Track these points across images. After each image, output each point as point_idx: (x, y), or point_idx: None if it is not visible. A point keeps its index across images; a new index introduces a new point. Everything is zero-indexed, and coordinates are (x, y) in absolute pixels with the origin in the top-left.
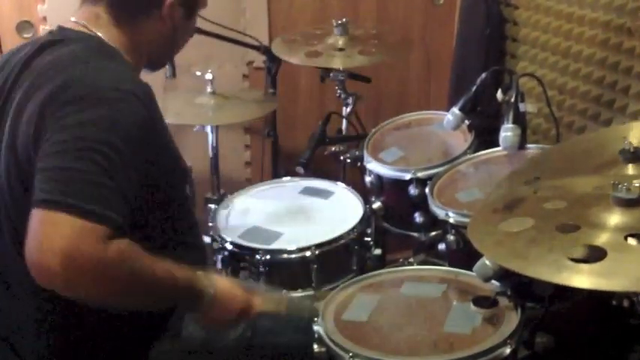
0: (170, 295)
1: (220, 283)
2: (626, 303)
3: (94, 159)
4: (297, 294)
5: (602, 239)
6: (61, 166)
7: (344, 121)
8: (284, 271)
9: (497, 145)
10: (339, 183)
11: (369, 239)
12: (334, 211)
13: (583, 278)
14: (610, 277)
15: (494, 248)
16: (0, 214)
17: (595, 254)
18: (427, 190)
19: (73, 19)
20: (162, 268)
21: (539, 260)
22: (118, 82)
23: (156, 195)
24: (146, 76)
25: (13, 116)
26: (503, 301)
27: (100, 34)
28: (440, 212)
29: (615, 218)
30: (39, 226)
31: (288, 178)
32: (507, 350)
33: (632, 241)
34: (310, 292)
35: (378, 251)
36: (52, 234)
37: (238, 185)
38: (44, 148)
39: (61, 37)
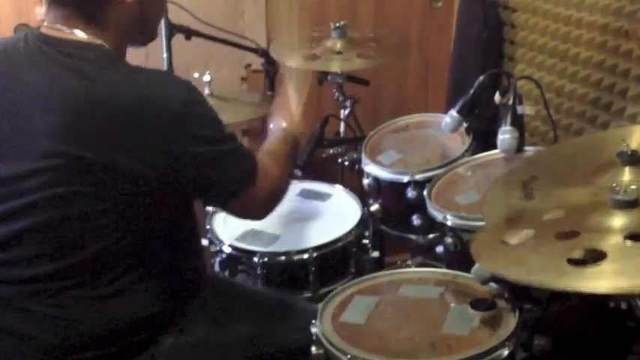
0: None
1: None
2: (623, 305)
3: (225, 142)
4: (295, 296)
5: (601, 242)
6: (221, 165)
7: (342, 124)
8: (282, 273)
9: (495, 147)
10: (336, 185)
11: (366, 242)
12: (332, 214)
13: (584, 282)
14: (611, 279)
15: (494, 260)
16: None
17: (594, 257)
18: (425, 192)
19: (44, 24)
20: (284, 151)
21: (538, 267)
22: (175, 78)
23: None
24: None
25: (67, 130)
26: (501, 304)
27: (78, 32)
28: (438, 215)
29: (613, 221)
30: (250, 205)
31: None
32: (505, 352)
33: (629, 242)
34: (308, 295)
35: (375, 254)
36: (259, 199)
37: None
38: (189, 160)
39: (64, 49)
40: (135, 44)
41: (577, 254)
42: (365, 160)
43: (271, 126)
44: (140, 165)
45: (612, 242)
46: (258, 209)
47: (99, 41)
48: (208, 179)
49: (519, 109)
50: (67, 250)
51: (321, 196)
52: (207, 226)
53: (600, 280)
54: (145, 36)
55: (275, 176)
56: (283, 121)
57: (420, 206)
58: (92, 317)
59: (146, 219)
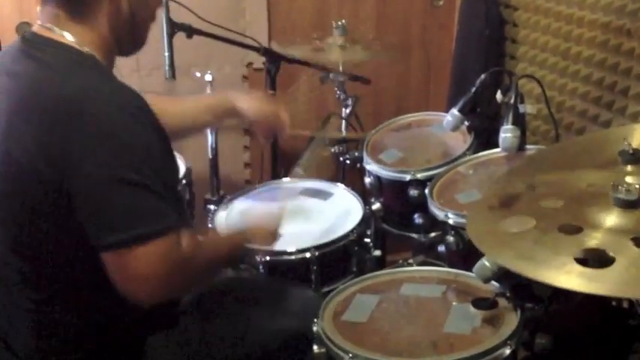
0: (230, 260)
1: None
2: (625, 304)
3: (137, 183)
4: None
5: (606, 243)
6: (115, 204)
7: (343, 123)
8: (283, 272)
9: (496, 146)
10: (338, 184)
11: (368, 240)
12: (334, 213)
13: (592, 284)
14: (620, 284)
15: (498, 250)
16: None
17: (596, 256)
18: (427, 191)
19: (39, 22)
20: (221, 243)
21: (546, 263)
22: (121, 100)
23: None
24: (146, 79)
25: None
26: (503, 302)
27: (67, 35)
28: (439, 213)
29: (616, 219)
30: (123, 267)
31: (287, 179)
32: (507, 351)
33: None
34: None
35: (377, 252)
36: (138, 269)
37: (237, 186)
38: (84, 186)
39: (36, 46)
40: (123, 52)
41: (583, 253)
42: (366, 158)
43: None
44: (46, 167)
45: (620, 246)
46: (140, 282)
47: (86, 48)
48: (85, 210)
49: (521, 108)
50: (37, 254)
51: (323, 195)
52: (209, 225)
53: (610, 284)
54: (134, 43)
55: (191, 260)
56: (253, 230)
57: (421, 205)
58: (83, 315)
59: None
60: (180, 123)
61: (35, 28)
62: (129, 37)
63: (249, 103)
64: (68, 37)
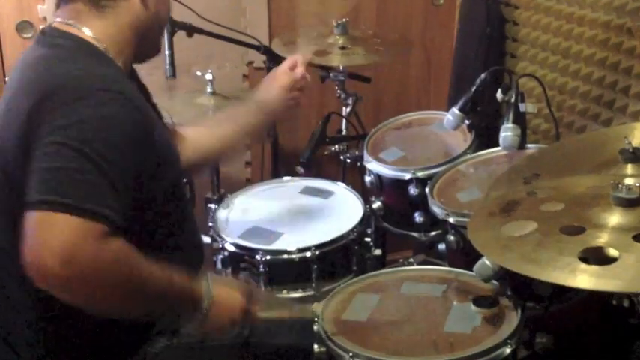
0: (167, 299)
1: (217, 291)
2: (626, 302)
3: (88, 157)
4: (298, 294)
5: (610, 241)
6: (54, 167)
7: (344, 121)
8: (284, 271)
9: (497, 145)
10: (339, 183)
11: (369, 239)
12: (334, 211)
13: (601, 280)
14: (625, 278)
15: (502, 253)
16: None
17: (597, 254)
18: (427, 190)
19: (58, 19)
20: (159, 270)
21: (551, 264)
22: (107, 82)
23: (153, 196)
24: (147, 78)
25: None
26: (504, 301)
27: (86, 30)
28: (440, 212)
29: (618, 219)
30: (36, 228)
31: (288, 178)
32: (507, 350)
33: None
34: (311, 293)
35: (378, 251)
36: (49, 234)
37: (238, 185)
38: (35, 150)
39: (49, 37)
40: (139, 56)
41: (586, 252)
42: (367, 157)
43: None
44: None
45: (622, 244)
46: (43, 254)
47: (103, 45)
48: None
49: (521, 107)
50: None
51: (324, 194)
52: (210, 224)
53: (615, 280)
54: (150, 49)
55: (106, 262)
56: (230, 295)
57: (422, 204)
58: (85, 317)
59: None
60: (219, 153)
61: (55, 24)
62: (153, 38)
63: (266, 90)
64: (87, 32)
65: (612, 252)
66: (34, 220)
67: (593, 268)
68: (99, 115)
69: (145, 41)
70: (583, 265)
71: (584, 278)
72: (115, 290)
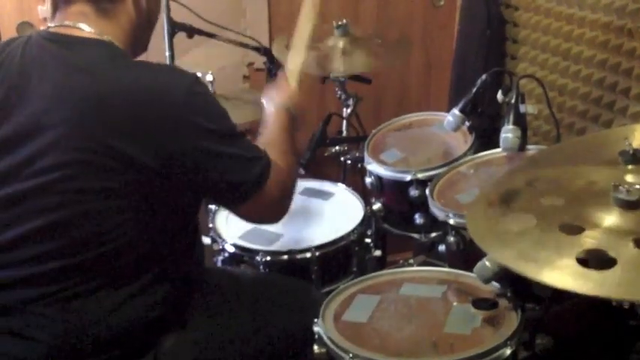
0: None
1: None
2: (626, 304)
3: (230, 138)
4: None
5: (609, 245)
6: (223, 161)
7: (344, 122)
8: (284, 272)
9: (497, 146)
10: (339, 184)
11: (369, 240)
12: (334, 213)
13: (597, 286)
14: (623, 285)
15: (500, 250)
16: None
17: (597, 256)
18: (427, 191)
19: (66, 22)
20: (284, 139)
21: (548, 264)
22: (190, 78)
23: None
24: None
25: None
26: (503, 303)
27: (93, 31)
28: (440, 214)
29: (616, 220)
30: (255, 212)
31: None
32: (507, 351)
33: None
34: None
35: (378, 252)
36: (263, 209)
37: None
38: (194, 162)
39: (71, 44)
40: (133, 54)
41: (584, 253)
42: (367, 158)
43: (265, 106)
44: (147, 157)
45: (621, 247)
46: (270, 212)
47: (106, 37)
48: (214, 176)
49: (522, 108)
50: (77, 250)
51: (324, 195)
52: (210, 225)
53: (611, 286)
54: (142, 45)
55: (284, 175)
56: (276, 97)
57: (422, 205)
58: (96, 319)
59: (157, 216)
60: None
61: (52, 29)
62: (144, 37)
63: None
64: (85, 29)
65: (611, 255)
66: (248, 207)
67: (589, 272)
68: (213, 103)
69: (136, 40)
70: (580, 268)
71: (579, 282)
72: (294, 181)
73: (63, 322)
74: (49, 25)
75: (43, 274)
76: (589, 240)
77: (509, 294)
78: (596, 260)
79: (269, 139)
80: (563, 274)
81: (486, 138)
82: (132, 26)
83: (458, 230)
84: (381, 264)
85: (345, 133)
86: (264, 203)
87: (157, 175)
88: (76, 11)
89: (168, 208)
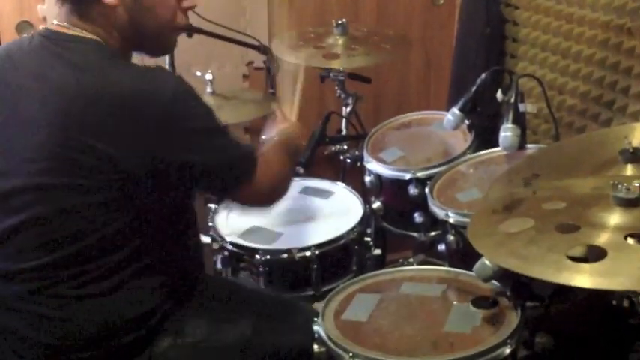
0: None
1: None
2: (625, 303)
3: (216, 132)
4: (297, 294)
5: (602, 239)
6: (212, 154)
7: (344, 121)
8: (284, 271)
9: (497, 145)
10: (338, 183)
11: (368, 239)
12: (334, 211)
13: (583, 278)
14: (610, 276)
15: (494, 249)
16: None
17: (595, 254)
18: (427, 190)
19: (65, 23)
20: (275, 149)
21: (538, 260)
22: (175, 79)
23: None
24: None
25: (60, 119)
26: (503, 301)
27: (77, 30)
28: (440, 212)
29: (615, 218)
30: (245, 198)
31: None
32: (507, 350)
33: (631, 240)
34: (310, 293)
35: (377, 251)
36: (252, 196)
37: None
38: (192, 145)
39: (62, 42)
40: (144, 52)
41: (577, 250)
42: (367, 157)
43: (264, 137)
44: (134, 155)
45: (613, 240)
46: (260, 200)
47: (98, 38)
48: (202, 169)
49: (521, 107)
50: (63, 243)
51: (323, 194)
52: (210, 224)
53: (599, 278)
54: (151, 47)
55: (275, 168)
56: (278, 129)
57: (421, 204)
58: (88, 315)
59: (143, 211)
60: None
61: (51, 27)
62: (138, 39)
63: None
64: (78, 31)
65: (602, 249)
66: (239, 195)
67: (580, 265)
68: (198, 101)
69: (142, 44)
70: (569, 262)
71: (570, 275)
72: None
73: (50, 318)
74: (53, 22)
75: (26, 269)
76: (584, 237)
77: (509, 293)
78: (593, 258)
79: (268, 147)
80: (550, 269)
81: (486, 137)
82: (120, 32)
83: (457, 229)
84: (381, 263)
85: (344, 132)
86: (254, 190)
87: (144, 174)
88: (67, 12)
89: (157, 203)
